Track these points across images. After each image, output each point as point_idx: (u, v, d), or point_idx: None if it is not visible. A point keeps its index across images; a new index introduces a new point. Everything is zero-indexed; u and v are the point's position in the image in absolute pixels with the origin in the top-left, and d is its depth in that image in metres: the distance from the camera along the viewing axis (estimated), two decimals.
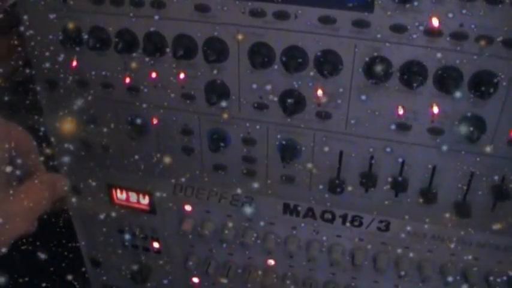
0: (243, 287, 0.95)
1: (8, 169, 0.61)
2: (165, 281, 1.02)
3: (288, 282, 0.92)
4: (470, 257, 0.82)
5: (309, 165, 0.79)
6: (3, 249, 0.60)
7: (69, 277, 1.03)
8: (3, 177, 0.60)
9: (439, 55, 0.66)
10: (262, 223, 0.88)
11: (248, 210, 0.88)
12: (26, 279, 0.97)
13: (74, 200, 0.97)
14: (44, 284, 0.98)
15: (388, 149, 0.75)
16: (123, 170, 0.90)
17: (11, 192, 0.60)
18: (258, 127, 0.79)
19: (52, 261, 1.02)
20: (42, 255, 0.88)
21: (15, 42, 0.89)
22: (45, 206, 0.63)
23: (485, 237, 0.80)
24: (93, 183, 0.94)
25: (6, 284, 0.70)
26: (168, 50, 0.76)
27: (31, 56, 0.84)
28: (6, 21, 0.90)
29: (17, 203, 0.61)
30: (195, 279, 1.01)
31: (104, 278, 1.08)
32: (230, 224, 0.90)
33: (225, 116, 0.79)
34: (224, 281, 0.96)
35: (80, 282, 1.10)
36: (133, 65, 0.79)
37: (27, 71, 0.87)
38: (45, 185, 0.64)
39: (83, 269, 1.09)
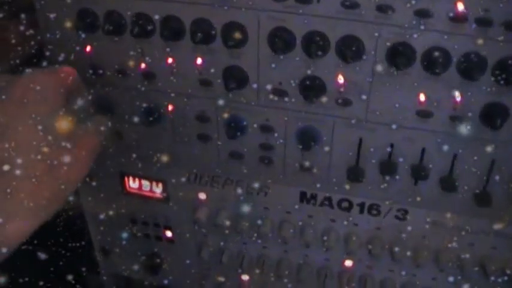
0: (258, 276, 0.95)
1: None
2: (178, 271, 1.01)
3: (302, 271, 0.91)
4: (488, 247, 0.81)
5: (328, 153, 0.79)
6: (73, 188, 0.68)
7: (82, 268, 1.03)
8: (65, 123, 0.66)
9: (463, 41, 0.65)
10: (278, 212, 0.88)
11: (263, 199, 0.87)
12: (30, 276, 0.96)
13: (85, 188, 0.96)
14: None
15: (409, 137, 0.74)
16: (137, 157, 0.89)
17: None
18: (276, 114, 0.78)
19: (61, 258, 1.03)
20: (50, 251, 0.89)
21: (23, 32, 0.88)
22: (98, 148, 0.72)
23: (504, 227, 0.79)
24: (106, 171, 0.93)
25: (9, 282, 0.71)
26: (185, 34, 0.75)
27: (44, 43, 0.83)
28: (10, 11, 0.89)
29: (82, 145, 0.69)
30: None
31: (115, 267, 1.07)
32: (245, 213, 0.89)
33: (243, 102, 0.78)
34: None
35: (90, 272, 1.10)
36: (150, 50, 0.78)
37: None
38: (95, 126, 0.73)
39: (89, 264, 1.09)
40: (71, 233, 1.08)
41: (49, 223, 0.67)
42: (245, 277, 0.97)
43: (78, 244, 1.07)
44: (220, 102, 0.79)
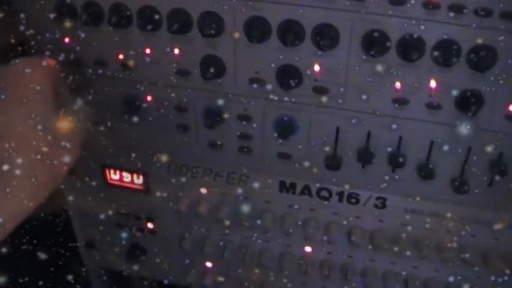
0: (239, 266, 0.95)
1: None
2: (161, 262, 1.01)
3: (284, 261, 0.91)
4: (467, 234, 0.81)
5: (306, 142, 0.79)
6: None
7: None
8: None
9: (437, 28, 0.66)
10: (258, 201, 0.88)
11: (243, 189, 0.87)
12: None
13: (68, 181, 0.96)
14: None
15: (386, 124, 0.74)
16: (117, 149, 0.89)
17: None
18: (254, 103, 0.78)
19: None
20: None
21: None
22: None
23: (482, 214, 0.79)
24: (87, 164, 0.93)
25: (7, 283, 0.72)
26: (162, 24, 0.75)
27: (22, 34, 0.82)
28: None
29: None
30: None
31: (99, 259, 1.07)
32: (226, 203, 0.89)
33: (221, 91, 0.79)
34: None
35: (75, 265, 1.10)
36: (127, 40, 0.78)
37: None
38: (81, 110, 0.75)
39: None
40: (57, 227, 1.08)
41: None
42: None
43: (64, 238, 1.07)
44: (198, 92, 0.79)
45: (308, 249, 0.90)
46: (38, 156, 0.65)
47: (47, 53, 0.80)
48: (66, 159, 0.69)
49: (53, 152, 0.67)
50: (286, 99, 0.76)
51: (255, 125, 0.80)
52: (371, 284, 0.88)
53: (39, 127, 0.65)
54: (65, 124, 0.69)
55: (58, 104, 0.71)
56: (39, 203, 0.67)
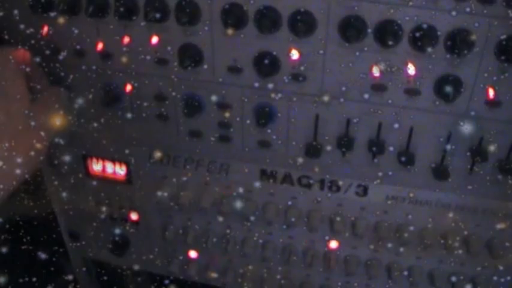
0: (223, 255, 0.95)
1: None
2: (144, 252, 1.01)
3: (266, 249, 0.91)
4: (448, 220, 0.81)
5: (285, 129, 0.78)
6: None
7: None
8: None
9: (414, 13, 0.65)
10: (239, 190, 0.88)
11: (224, 178, 0.87)
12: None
13: (50, 172, 0.96)
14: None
15: (365, 111, 0.74)
16: (98, 139, 0.89)
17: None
18: (232, 91, 0.78)
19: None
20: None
21: None
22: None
23: (463, 200, 0.79)
24: (69, 154, 0.93)
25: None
26: (139, 13, 0.74)
27: None
28: None
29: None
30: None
31: (84, 251, 1.06)
32: (207, 192, 0.89)
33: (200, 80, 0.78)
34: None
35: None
36: (105, 30, 0.77)
37: None
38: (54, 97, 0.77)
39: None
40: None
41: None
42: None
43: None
44: (177, 80, 0.79)
45: (291, 237, 0.90)
46: (8, 145, 0.65)
47: (23, 43, 0.79)
48: (37, 149, 0.70)
49: (24, 142, 0.68)
50: (264, 86, 0.76)
51: (234, 113, 0.79)
52: (354, 272, 0.88)
53: (11, 117, 0.65)
54: (38, 114, 0.70)
55: (33, 94, 0.71)
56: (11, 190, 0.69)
